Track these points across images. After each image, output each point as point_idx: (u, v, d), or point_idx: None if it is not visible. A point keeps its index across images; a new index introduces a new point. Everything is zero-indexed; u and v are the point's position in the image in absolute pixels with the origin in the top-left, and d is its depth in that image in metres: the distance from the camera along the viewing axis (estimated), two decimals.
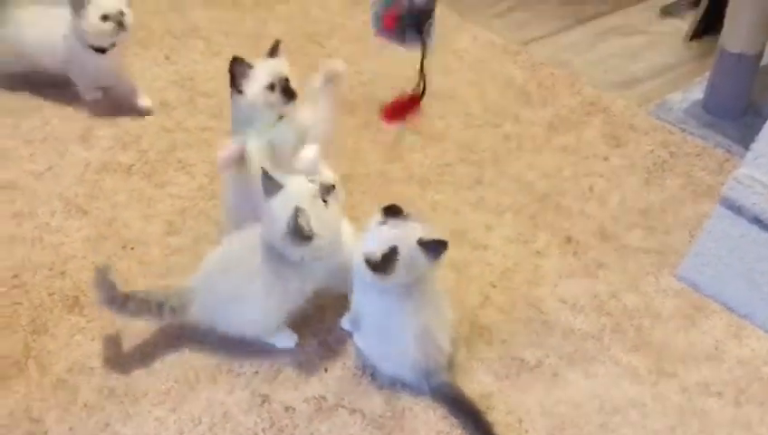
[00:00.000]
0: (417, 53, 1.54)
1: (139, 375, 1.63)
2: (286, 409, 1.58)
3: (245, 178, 1.71)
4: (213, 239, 1.90)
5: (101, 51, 2.22)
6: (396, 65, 2.69)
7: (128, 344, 1.69)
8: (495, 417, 1.57)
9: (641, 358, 1.72)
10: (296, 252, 1.54)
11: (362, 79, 2.61)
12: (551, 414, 1.60)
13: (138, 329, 1.71)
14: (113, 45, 2.23)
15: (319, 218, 1.50)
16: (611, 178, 2.23)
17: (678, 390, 1.66)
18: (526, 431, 1.57)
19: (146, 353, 1.67)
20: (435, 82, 2.59)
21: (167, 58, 2.67)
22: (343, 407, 1.59)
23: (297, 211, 1.48)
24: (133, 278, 1.83)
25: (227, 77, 1.70)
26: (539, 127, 2.43)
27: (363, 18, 2.94)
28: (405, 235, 1.49)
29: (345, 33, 2.86)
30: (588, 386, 1.65)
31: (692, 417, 1.61)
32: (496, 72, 2.68)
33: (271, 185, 1.54)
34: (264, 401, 1.59)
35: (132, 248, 1.92)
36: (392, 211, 1.54)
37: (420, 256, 1.49)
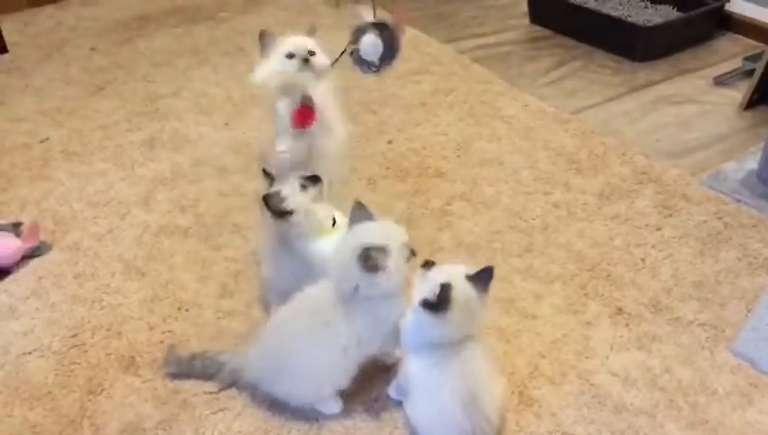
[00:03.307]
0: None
1: None
2: None
3: (288, 252, 1.81)
4: (265, 304, 1.94)
5: None
6: (445, 133, 2.77)
7: (179, 407, 1.72)
8: None
9: None
10: (370, 284, 1.58)
11: (413, 146, 2.66)
12: None
13: (188, 392, 1.75)
14: None
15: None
16: (664, 249, 2.20)
17: None
18: None
19: (195, 417, 1.70)
20: (485, 149, 2.66)
21: (226, 125, 2.78)
22: None
23: (364, 249, 1.56)
24: (186, 340, 1.88)
25: None
26: (589, 195, 2.42)
27: (415, 89, 3.04)
28: (452, 273, 1.56)
29: (397, 103, 2.94)
30: None
31: None
32: (547, 140, 2.70)
33: (359, 214, 1.65)
34: None
35: (187, 310, 1.97)
36: (429, 264, 1.61)
37: (471, 292, 1.54)
